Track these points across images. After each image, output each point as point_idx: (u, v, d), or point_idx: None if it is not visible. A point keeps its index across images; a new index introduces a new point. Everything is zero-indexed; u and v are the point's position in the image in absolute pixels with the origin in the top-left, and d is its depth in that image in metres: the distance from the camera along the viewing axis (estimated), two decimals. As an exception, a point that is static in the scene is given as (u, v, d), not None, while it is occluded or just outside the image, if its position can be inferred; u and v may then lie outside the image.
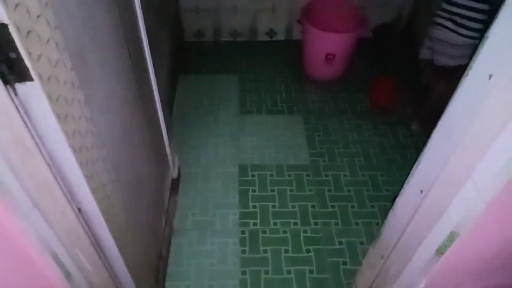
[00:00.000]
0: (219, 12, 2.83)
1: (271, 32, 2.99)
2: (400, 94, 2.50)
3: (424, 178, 0.94)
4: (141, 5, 1.29)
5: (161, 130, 1.66)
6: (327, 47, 2.49)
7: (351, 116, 2.48)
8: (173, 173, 1.93)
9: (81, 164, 0.82)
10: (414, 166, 0.98)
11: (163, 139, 1.70)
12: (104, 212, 0.95)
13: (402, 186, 1.06)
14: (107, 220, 0.97)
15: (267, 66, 2.80)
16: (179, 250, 1.81)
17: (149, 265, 1.43)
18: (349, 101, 2.58)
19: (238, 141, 2.29)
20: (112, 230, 1.02)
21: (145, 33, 1.36)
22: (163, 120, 1.65)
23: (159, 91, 1.54)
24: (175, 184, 1.97)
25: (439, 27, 1.93)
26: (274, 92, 2.61)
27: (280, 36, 3.01)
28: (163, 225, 1.73)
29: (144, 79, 1.43)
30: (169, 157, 1.81)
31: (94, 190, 0.89)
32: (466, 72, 0.75)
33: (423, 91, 2.34)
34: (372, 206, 2.01)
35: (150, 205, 1.50)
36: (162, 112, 1.63)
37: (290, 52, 2.87)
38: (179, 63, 2.72)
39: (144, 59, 1.41)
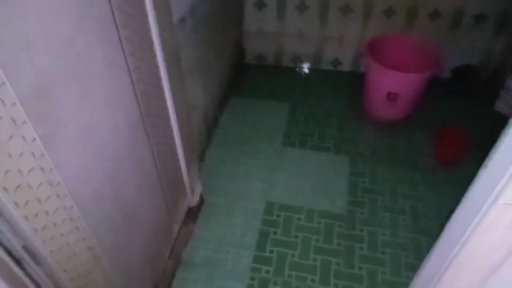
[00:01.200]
0: (283, 36, 2.73)
1: (336, 62, 2.80)
2: (471, 149, 2.13)
3: None
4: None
5: (178, 158, 1.59)
6: (389, 85, 2.23)
7: (407, 166, 2.17)
8: (192, 201, 1.85)
9: (16, 205, 0.77)
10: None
11: (180, 167, 1.63)
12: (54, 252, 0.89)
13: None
14: (57, 262, 0.92)
15: (325, 97, 2.62)
16: (183, 286, 1.71)
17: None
18: (408, 149, 2.27)
19: (272, 174, 2.14)
20: (67, 271, 0.96)
21: (163, 59, 1.30)
22: (182, 147, 1.58)
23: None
24: (194, 212, 1.89)
25: None
26: (324, 126, 2.41)
27: (346, 67, 2.81)
28: (167, 257, 1.64)
29: (158, 102, 1.38)
30: (187, 185, 1.74)
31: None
32: None
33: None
34: (408, 277, 1.70)
35: (147, 239, 1.43)
36: (180, 139, 1.56)
37: (353, 85, 2.65)
38: (234, 85, 2.68)
39: (160, 86, 1.35)
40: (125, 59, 1.12)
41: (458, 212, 0.85)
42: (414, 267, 1.72)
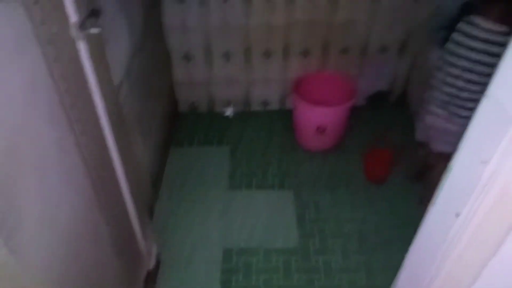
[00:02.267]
0: (212, 84, 2.85)
1: (265, 102, 2.98)
2: (396, 166, 2.39)
3: None
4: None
5: (131, 226, 1.57)
6: (317, 120, 2.44)
7: (344, 191, 2.36)
8: (149, 264, 1.81)
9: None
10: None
11: (134, 234, 1.61)
12: None
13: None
14: None
15: (260, 136, 2.76)
16: None
17: None
18: (342, 174, 2.47)
19: (225, 219, 2.18)
20: None
21: (109, 126, 1.32)
22: (136, 214, 1.57)
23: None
24: (152, 275, 1.85)
25: (432, 115, 1.86)
26: (265, 164, 2.53)
27: (274, 106, 2.99)
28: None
29: (109, 173, 1.38)
30: (143, 249, 1.71)
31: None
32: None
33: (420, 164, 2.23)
34: (367, 299, 1.84)
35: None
36: (134, 206, 1.55)
37: (284, 122, 2.83)
38: (172, 136, 2.70)
39: (109, 157, 1.36)
40: (76, 137, 1.12)
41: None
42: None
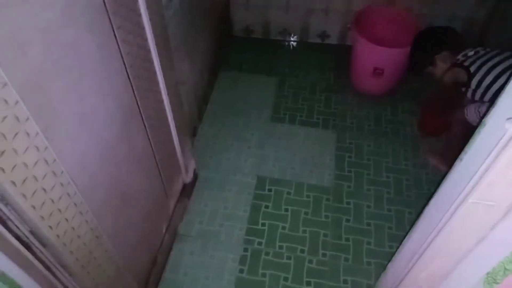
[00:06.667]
0: (269, 9, 2.71)
1: (323, 35, 2.80)
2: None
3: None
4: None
5: (171, 138, 1.62)
6: (375, 60, 2.27)
7: (391, 139, 2.25)
8: (186, 178, 1.90)
9: (23, 196, 0.81)
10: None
11: (173, 146, 1.67)
12: (60, 236, 0.94)
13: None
14: (63, 244, 0.97)
15: (312, 71, 2.64)
16: (180, 257, 1.79)
17: (133, 272, 1.43)
18: (393, 122, 2.34)
19: (263, 150, 2.20)
20: (72, 252, 1.01)
21: (154, 42, 1.31)
22: (175, 127, 1.61)
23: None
24: (188, 188, 1.95)
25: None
26: (312, 101, 2.46)
27: (333, 40, 2.82)
28: (164, 231, 1.71)
29: (150, 85, 1.40)
30: (181, 163, 1.78)
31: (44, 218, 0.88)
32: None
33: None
34: (391, 247, 1.82)
35: (145, 216, 1.48)
36: (174, 119, 1.59)
37: (341, 59, 2.68)
38: (223, 59, 2.67)
39: (152, 69, 1.36)
40: (118, 45, 1.13)
41: (435, 200, 0.92)
42: (396, 238, 1.85)
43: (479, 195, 0.68)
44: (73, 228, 1.02)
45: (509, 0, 2.22)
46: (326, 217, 1.93)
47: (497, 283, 0.67)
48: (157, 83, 1.43)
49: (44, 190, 0.88)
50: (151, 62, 1.36)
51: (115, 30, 1.09)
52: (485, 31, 2.55)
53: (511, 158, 0.61)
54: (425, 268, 0.94)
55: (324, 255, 1.80)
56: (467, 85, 1.79)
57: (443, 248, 0.83)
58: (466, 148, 0.79)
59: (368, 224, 1.90)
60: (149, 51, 1.33)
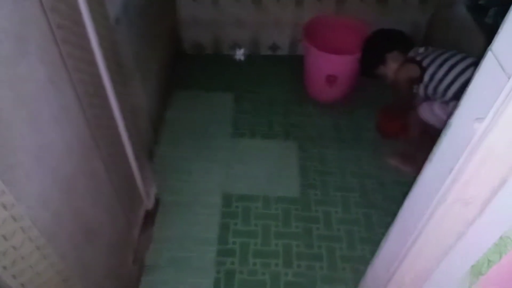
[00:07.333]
0: (218, 24, 2.70)
1: (274, 46, 2.84)
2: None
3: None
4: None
5: (129, 164, 1.55)
6: (328, 68, 2.32)
7: (352, 144, 2.30)
8: (148, 204, 1.82)
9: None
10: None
11: (132, 173, 1.59)
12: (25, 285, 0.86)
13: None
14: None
15: (268, 83, 2.66)
16: (150, 289, 1.70)
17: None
18: (351, 127, 2.40)
19: (226, 167, 2.16)
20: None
21: (104, 64, 1.24)
22: (132, 152, 1.54)
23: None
24: (151, 215, 1.86)
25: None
26: (271, 113, 2.46)
27: (284, 51, 2.86)
28: (131, 263, 1.62)
29: (105, 113, 1.32)
30: (141, 189, 1.70)
31: None
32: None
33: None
34: (363, 249, 1.84)
35: (109, 250, 1.39)
36: (131, 145, 1.51)
37: (294, 69, 2.71)
38: (175, 78, 2.61)
39: (105, 95, 1.29)
40: (69, 74, 1.06)
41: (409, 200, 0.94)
42: (367, 240, 1.87)
43: (456, 195, 0.70)
44: (38, 274, 0.93)
45: (448, 6, 2.37)
46: (297, 227, 1.92)
47: (482, 274, 0.68)
48: (111, 109, 1.36)
49: (4, 237, 0.80)
50: (104, 88, 1.30)
51: (64, 59, 1.02)
52: (428, 35, 2.71)
53: (483, 157, 0.63)
54: (409, 269, 0.95)
55: (299, 266, 1.78)
56: (420, 79, 1.87)
57: (424, 248, 0.84)
58: (434, 149, 0.81)
59: (338, 230, 1.91)
60: (101, 77, 1.27)
